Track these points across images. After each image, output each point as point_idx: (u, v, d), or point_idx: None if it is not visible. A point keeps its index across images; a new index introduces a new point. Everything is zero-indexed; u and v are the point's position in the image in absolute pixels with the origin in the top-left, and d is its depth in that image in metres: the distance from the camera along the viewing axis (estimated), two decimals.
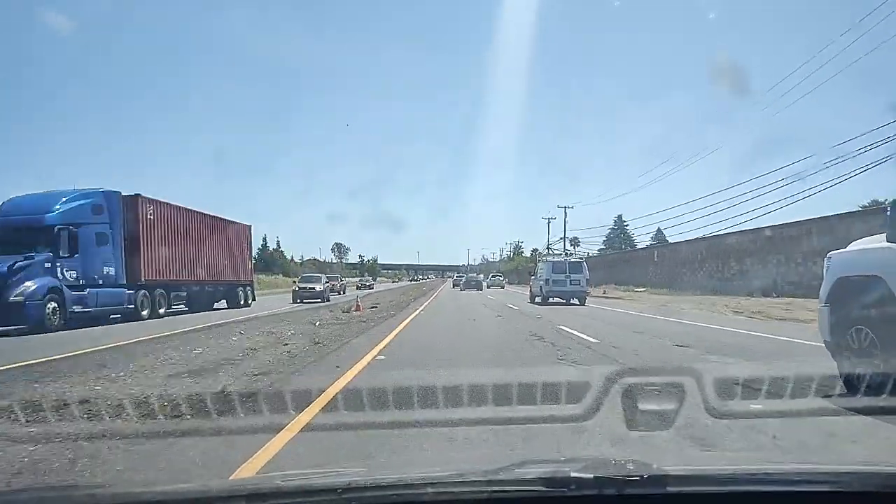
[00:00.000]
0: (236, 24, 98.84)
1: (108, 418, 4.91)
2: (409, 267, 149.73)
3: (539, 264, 32.34)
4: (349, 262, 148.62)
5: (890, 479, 1.86)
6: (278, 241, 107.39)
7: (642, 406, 4.78)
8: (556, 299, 26.77)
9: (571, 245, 72.05)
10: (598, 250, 73.23)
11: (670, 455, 3.71)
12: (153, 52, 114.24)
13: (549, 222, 75.46)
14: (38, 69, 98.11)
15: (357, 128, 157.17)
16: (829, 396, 5.48)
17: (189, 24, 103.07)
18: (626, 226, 79.07)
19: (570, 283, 26.66)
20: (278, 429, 4.56)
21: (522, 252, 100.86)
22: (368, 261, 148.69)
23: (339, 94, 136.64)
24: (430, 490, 1.67)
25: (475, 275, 66.75)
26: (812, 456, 4.14)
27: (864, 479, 1.86)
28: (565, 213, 70.16)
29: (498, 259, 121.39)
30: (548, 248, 73.72)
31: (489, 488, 1.70)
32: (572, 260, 29.71)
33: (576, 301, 26.52)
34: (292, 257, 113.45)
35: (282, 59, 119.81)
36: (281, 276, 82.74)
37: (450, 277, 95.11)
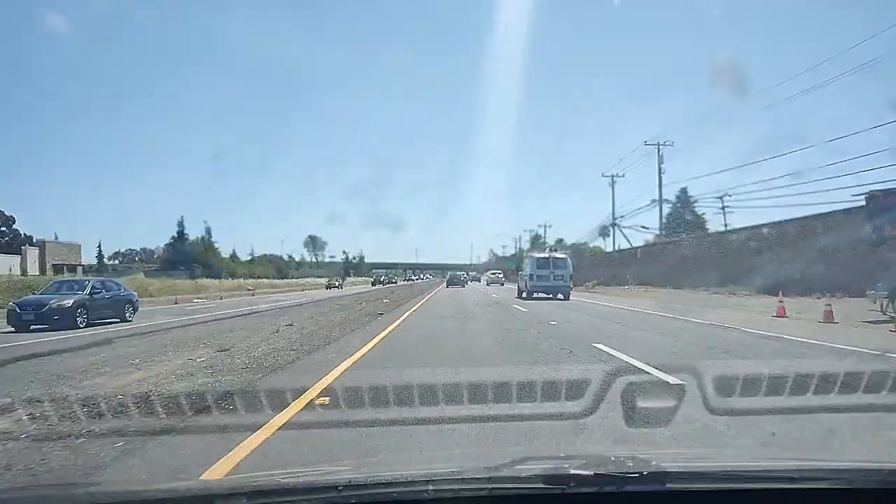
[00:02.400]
0: (235, 25, 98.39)
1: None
2: (406, 266, 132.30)
3: (525, 260, 32.67)
4: (331, 259, 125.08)
5: (891, 475, 1.86)
6: (208, 230, 78.22)
7: (641, 403, 4.78)
8: (541, 294, 27.39)
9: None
10: (655, 235, 52.28)
11: (670, 452, 3.71)
12: (152, 54, 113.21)
13: (612, 181, 52.94)
14: (36, 69, 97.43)
15: (355, 128, 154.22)
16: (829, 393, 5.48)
17: (187, 25, 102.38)
18: (695, 202, 53.74)
19: (554, 279, 27.15)
20: None
21: (543, 240, 79.14)
22: (354, 258, 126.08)
23: (337, 95, 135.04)
24: (430, 487, 1.67)
25: (459, 273, 69.11)
26: (812, 453, 4.14)
27: (864, 476, 1.86)
28: (660, 153, 46.53)
29: (511, 253, 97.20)
30: (613, 223, 54.44)
31: (490, 485, 1.70)
32: (556, 256, 29.92)
33: (560, 296, 26.94)
34: (234, 253, 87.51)
35: (279, 60, 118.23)
36: (193, 278, 55.44)
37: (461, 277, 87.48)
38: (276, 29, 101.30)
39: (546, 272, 27.39)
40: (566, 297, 26.75)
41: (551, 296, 27.19)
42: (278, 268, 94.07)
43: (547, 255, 30.09)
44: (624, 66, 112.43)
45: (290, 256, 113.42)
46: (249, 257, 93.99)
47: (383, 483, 1.74)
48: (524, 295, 28.33)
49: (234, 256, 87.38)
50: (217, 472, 3.64)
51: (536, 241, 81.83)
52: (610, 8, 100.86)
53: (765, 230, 31.85)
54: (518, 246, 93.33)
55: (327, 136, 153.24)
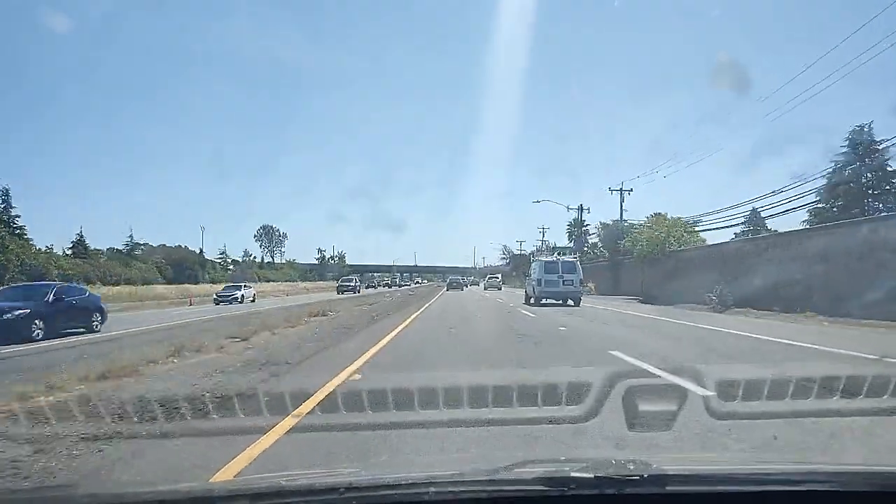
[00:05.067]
0: (235, 27, 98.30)
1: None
2: (402, 269, 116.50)
3: (532, 265, 31.06)
4: (300, 260, 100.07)
5: (890, 478, 1.87)
6: (3, 193, 46.97)
7: (643, 407, 4.78)
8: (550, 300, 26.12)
9: None
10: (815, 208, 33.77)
11: (671, 455, 3.71)
12: (154, 56, 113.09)
13: None
14: (36, 70, 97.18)
15: (350, 128, 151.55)
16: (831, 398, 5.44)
17: (187, 27, 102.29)
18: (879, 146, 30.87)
19: (564, 284, 26.04)
20: None
21: (585, 224, 57.19)
22: (332, 259, 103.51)
23: (334, 95, 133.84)
24: (431, 489, 1.68)
25: (458, 277, 68.68)
26: (812, 456, 4.14)
27: (864, 479, 1.87)
28: None
29: (531, 250, 76.11)
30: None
31: (490, 488, 1.71)
32: (565, 259, 28.57)
33: (571, 302, 25.76)
34: (81, 243, 55.09)
35: (276, 60, 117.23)
36: None
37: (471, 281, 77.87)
38: (274, 29, 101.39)
39: (554, 277, 26.07)
40: (576, 304, 25.48)
41: (561, 302, 25.88)
42: (183, 267, 63.54)
43: (555, 259, 28.79)
44: (624, 65, 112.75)
45: (242, 256, 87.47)
46: (126, 246, 62.75)
47: (384, 485, 1.75)
48: (532, 301, 27.14)
49: (80, 245, 55.01)
50: None
51: (576, 229, 59.78)
52: (610, 7, 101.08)
53: None
54: (543, 239, 72.88)
55: (322, 136, 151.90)
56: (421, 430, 4.69)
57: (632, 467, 1.82)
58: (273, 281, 75.29)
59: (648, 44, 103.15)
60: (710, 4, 75.81)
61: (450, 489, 1.70)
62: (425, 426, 4.74)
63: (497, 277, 68.00)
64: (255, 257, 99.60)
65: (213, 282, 63.97)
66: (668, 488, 1.68)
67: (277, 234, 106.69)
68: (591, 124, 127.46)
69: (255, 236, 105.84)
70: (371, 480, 1.85)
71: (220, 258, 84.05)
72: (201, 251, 75.35)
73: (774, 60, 76.45)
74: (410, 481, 1.79)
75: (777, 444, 4.29)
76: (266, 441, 4.39)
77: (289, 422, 4.84)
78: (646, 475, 1.71)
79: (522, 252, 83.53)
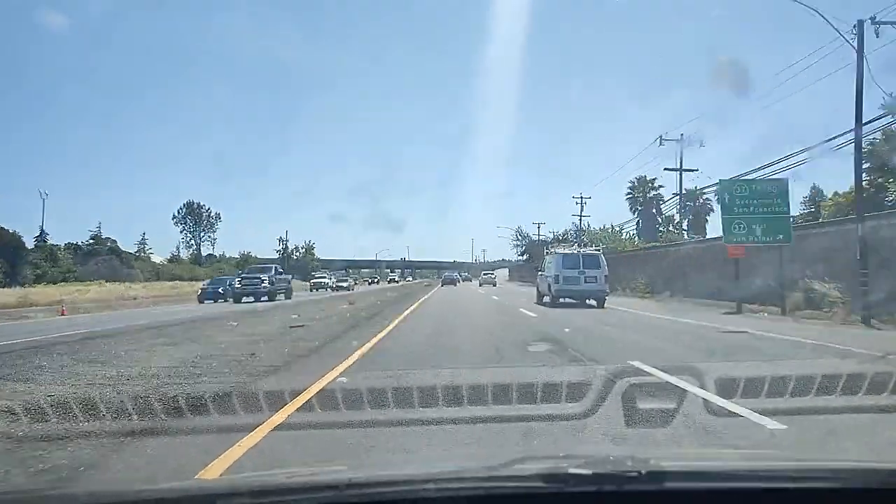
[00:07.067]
0: (234, 27, 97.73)
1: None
2: (391, 264, 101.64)
3: (546, 258, 26.61)
4: (260, 253, 73.04)
5: (890, 475, 1.86)
6: None
7: (642, 404, 4.78)
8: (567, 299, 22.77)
9: None
10: None
11: (669, 452, 3.71)
12: (152, 56, 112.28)
13: None
14: (35, 70, 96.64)
15: (351, 126, 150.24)
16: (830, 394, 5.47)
17: (186, 27, 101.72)
18: None
19: (586, 281, 22.60)
20: None
21: (657, 187, 44.85)
22: (299, 249, 79.69)
23: (335, 95, 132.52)
24: (430, 486, 1.68)
25: (453, 273, 67.96)
26: (811, 453, 4.14)
27: (863, 476, 1.86)
28: None
29: (551, 238, 60.83)
30: None
31: (489, 484, 1.70)
32: (587, 252, 24.89)
33: (593, 302, 22.68)
34: None
35: (275, 59, 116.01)
36: None
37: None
38: (274, 29, 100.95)
39: (574, 272, 22.54)
40: (600, 304, 22.34)
41: (581, 301, 22.80)
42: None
43: (575, 251, 25.12)
44: (624, 65, 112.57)
45: (137, 243, 61.50)
46: None
47: (384, 482, 1.75)
48: (546, 300, 23.77)
49: None
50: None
51: (646, 189, 47.57)
52: (610, 7, 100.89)
53: None
54: (581, 213, 54.86)
55: (321, 134, 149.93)
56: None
57: (630, 464, 1.82)
58: (185, 279, 51.87)
59: (648, 44, 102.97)
60: (710, 4, 75.63)
61: (449, 486, 1.70)
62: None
63: (492, 273, 66.98)
64: (192, 248, 73.30)
65: (37, 280, 42.21)
66: (667, 485, 1.68)
67: (208, 214, 73.04)
68: (591, 123, 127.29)
69: (173, 217, 70.69)
70: (371, 477, 1.85)
71: (89, 244, 57.39)
72: (42, 234, 50.84)
73: (775, 60, 76.07)
74: (409, 478, 1.79)
75: (775, 440, 4.28)
76: None
77: None
78: (644, 472, 1.70)
79: (542, 238, 65.06)
